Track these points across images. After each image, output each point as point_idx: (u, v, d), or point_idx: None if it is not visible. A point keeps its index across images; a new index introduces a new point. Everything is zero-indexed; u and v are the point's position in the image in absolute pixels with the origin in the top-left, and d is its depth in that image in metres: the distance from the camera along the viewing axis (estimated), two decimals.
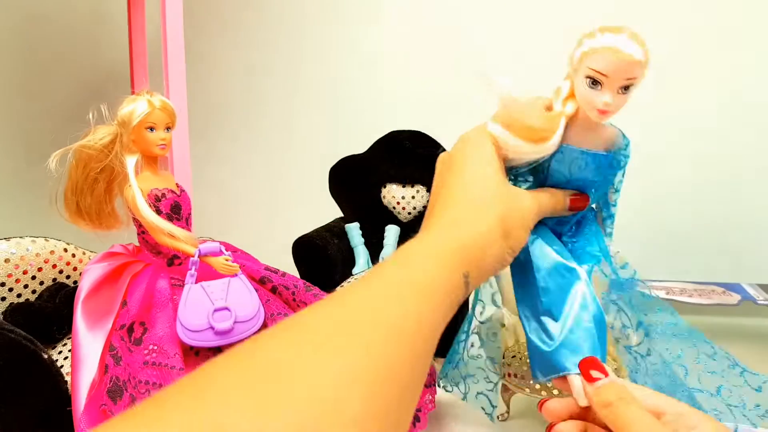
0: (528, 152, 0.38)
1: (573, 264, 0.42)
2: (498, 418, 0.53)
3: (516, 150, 0.38)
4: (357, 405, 0.21)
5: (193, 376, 0.20)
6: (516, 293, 0.44)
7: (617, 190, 0.46)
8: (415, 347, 0.25)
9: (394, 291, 0.26)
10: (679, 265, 0.93)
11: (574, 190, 0.42)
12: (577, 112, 0.39)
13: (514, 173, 0.44)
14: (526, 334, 0.42)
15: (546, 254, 0.43)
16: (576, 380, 0.37)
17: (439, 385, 0.53)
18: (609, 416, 0.30)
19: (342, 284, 0.66)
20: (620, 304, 0.44)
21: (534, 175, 0.44)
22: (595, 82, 0.36)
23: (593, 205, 0.46)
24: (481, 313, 0.53)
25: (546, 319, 0.41)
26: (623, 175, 0.45)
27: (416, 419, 0.49)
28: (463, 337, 0.53)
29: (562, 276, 0.42)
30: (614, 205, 0.46)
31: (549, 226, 0.44)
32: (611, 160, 0.41)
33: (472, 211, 0.34)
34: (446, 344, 0.55)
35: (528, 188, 0.43)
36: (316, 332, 0.23)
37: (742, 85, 0.90)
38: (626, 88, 0.37)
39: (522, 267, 0.43)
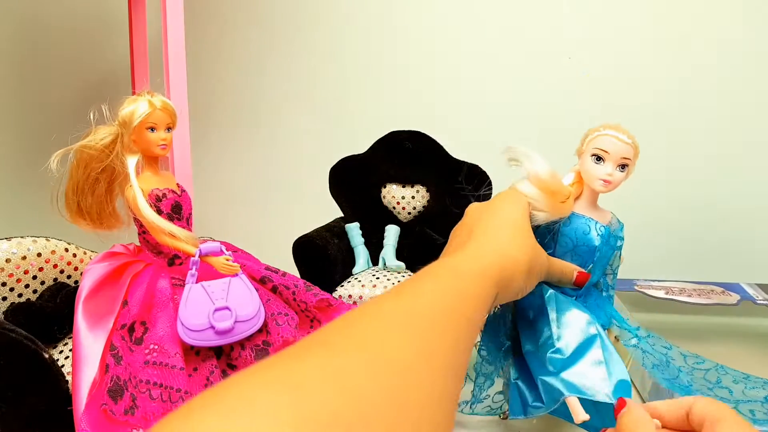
0: (551, 211, 0.46)
1: (586, 313, 0.47)
2: (500, 416, 0.53)
3: (542, 208, 0.47)
4: (439, 385, 0.26)
5: (311, 338, 0.25)
6: (522, 336, 0.49)
7: (615, 274, 0.53)
8: (466, 343, 0.31)
9: (452, 298, 0.32)
10: (678, 265, 0.93)
11: (579, 257, 0.49)
12: (581, 194, 0.50)
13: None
14: (532, 369, 0.47)
15: (561, 302, 0.48)
16: (572, 401, 0.43)
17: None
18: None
19: (343, 284, 0.66)
20: (642, 347, 0.49)
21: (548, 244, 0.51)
22: (599, 159, 0.47)
23: (594, 284, 0.52)
24: None
25: (553, 355, 0.45)
26: (620, 258, 0.52)
27: None
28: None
29: (576, 321, 0.47)
30: (613, 288, 0.53)
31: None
32: (610, 234, 0.49)
33: (508, 247, 0.41)
34: None
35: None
36: (400, 318, 0.28)
37: (742, 86, 0.90)
38: (622, 167, 0.47)
39: (532, 321, 0.49)
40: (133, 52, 0.91)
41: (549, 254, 0.51)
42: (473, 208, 0.46)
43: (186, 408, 0.19)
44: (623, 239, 0.51)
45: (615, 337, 0.50)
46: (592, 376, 0.43)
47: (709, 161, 0.93)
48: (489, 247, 0.40)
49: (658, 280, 0.80)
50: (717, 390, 0.49)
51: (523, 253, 0.41)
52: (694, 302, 0.72)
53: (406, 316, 0.28)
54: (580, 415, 0.42)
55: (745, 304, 0.72)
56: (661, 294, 0.74)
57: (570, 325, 0.46)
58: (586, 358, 0.44)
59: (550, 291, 0.48)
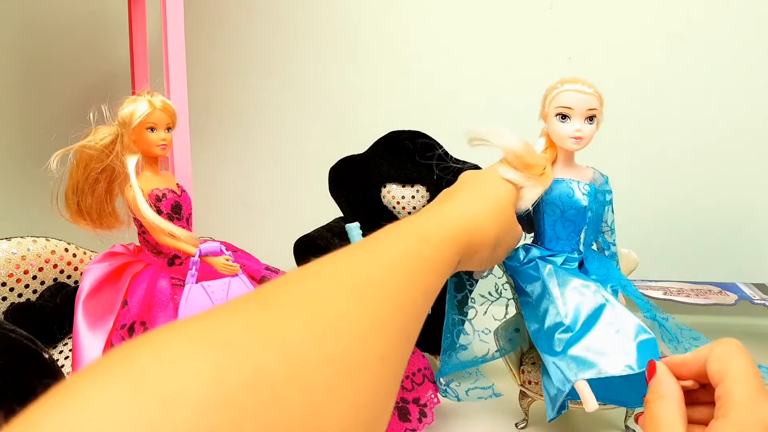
0: (533, 186, 0.45)
1: (590, 282, 0.44)
2: (517, 426, 0.52)
3: (524, 185, 0.45)
4: (384, 346, 0.24)
5: (251, 294, 0.24)
6: (526, 318, 0.47)
7: (612, 230, 0.50)
8: (422, 310, 0.30)
9: (414, 261, 0.30)
10: (675, 265, 0.93)
11: (570, 222, 0.47)
12: (556, 158, 0.48)
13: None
14: (540, 350, 0.45)
15: (562, 275, 0.46)
16: (582, 386, 0.40)
17: (440, 383, 0.54)
18: (645, 412, 0.32)
19: None
20: (659, 321, 0.47)
21: (534, 216, 0.50)
22: (564, 117, 0.45)
23: (594, 246, 0.49)
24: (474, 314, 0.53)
25: (562, 335, 0.43)
26: (613, 212, 0.50)
27: (423, 414, 0.49)
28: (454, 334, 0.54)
29: (581, 294, 0.45)
30: (614, 244, 0.51)
31: (558, 266, 0.47)
32: (596, 191, 0.47)
33: (481, 217, 0.40)
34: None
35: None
36: (351, 278, 0.26)
37: (741, 86, 0.91)
38: (590, 119, 0.45)
39: (534, 302, 0.46)
40: (133, 52, 0.91)
41: (537, 224, 0.50)
42: (466, 175, 0.46)
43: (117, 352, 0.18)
44: (611, 192, 0.49)
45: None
46: (607, 348, 0.40)
47: (707, 161, 0.93)
48: (461, 213, 0.39)
49: (656, 281, 0.80)
50: None
51: (494, 224, 0.40)
52: (692, 302, 0.72)
53: (361, 276, 0.27)
54: (590, 403, 0.39)
55: (743, 304, 0.72)
56: (659, 294, 0.74)
57: (575, 299, 0.43)
58: (597, 329, 0.41)
59: (549, 266, 0.46)
